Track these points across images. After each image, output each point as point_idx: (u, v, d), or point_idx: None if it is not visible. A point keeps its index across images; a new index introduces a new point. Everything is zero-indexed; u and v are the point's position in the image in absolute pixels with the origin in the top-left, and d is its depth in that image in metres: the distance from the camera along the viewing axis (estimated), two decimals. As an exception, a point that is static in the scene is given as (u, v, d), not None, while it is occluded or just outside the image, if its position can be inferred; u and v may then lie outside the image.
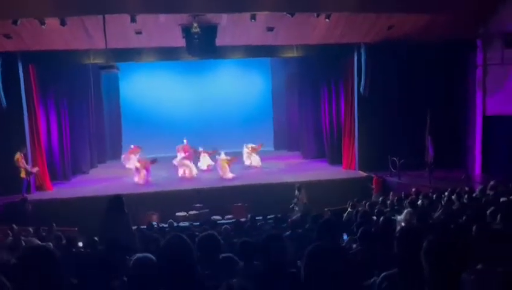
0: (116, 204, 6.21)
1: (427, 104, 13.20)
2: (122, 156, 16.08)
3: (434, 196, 8.74)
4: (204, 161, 15.34)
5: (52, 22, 10.44)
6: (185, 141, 15.17)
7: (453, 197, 8.09)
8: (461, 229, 4.67)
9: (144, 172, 13.66)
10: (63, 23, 10.47)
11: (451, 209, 6.97)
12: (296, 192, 11.34)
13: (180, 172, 14.33)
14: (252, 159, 15.46)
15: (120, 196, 6.52)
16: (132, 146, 15.73)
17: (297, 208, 10.32)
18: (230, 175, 13.90)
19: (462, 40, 13.22)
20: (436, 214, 6.75)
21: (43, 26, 10.48)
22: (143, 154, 15.25)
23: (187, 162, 14.39)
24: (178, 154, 14.91)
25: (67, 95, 14.74)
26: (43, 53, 12.39)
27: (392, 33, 12.53)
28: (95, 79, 16.33)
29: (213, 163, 15.02)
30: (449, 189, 8.83)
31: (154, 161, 14.00)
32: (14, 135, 12.53)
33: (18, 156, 12.24)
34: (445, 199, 8.07)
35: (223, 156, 14.22)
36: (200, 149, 15.29)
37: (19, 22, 10.12)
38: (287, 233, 6.07)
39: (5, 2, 8.90)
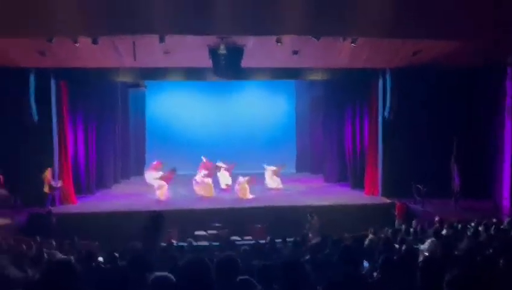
0: (155, 221, 6.13)
1: (453, 130, 12.97)
2: (145, 172, 16.24)
3: (459, 226, 8.49)
4: (223, 178, 15.29)
5: (85, 41, 10.82)
6: (203, 158, 15.24)
7: (480, 228, 7.84)
8: (488, 262, 4.50)
9: (165, 188, 13.77)
10: (95, 42, 10.83)
11: (478, 241, 6.75)
12: (309, 217, 11.20)
13: (198, 190, 14.36)
14: (273, 180, 15.40)
15: (161, 213, 6.32)
16: (155, 162, 15.90)
17: (310, 235, 10.16)
18: (250, 196, 13.87)
19: (491, 67, 13.02)
20: (462, 246, 6.54)
21: (76, 45, 10.87)
22: (165, 171, 15.36)
23: (208, 180, 14.42)
24: (199, 173, 14.96)
25: (95, 111, 15.16)
26: (74, 70, 12.84)
27: (418, 58, 12.44)
28: (123, 96, 16.74)
29: (230, 183, 15.00)
30: (475, 219, 8.57)
31: (173, 170, 14.08)
32: (43, 148, 12.89)
33: (47, 173, 12.58)
34: (472, 229, 7.83)
35: (241, 179, 14.16)
36: (219, 163, 15.29)
37: (53, 40, 10.53)
38: (307, 257, 5.98)
39: (42, 20, 9.28)
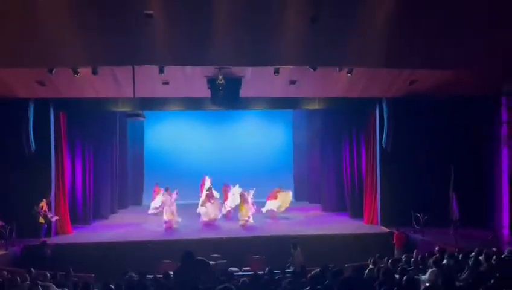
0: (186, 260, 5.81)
1: (450, 159, 13.01)
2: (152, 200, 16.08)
3: (460, 255, 8.39)
4: (233, 200, 15.21)
5: (85, 71, 10.96)
6: (206, 178, 15.42)
7: (481, 257, 7.75)
8: (490, 293, 4.43)
9: (172, 208, 13.76)
10: (94, 72, 10.97)
11: (479, 271, 6.66)
12: (292, 250, 11.06)
13: (203, 212, 14.32)
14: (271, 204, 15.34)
15: (190, 252, 5.97)
16: (156, 185, 15.94)
17: (292, 268, 9.99)
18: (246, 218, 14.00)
19: (487, 96, 13.19)
20: (463, 276, 6.46)
21: (76, 75, 10.99)
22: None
23: (212, 202, 14.37)
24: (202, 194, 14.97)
25: (93, 141, 15.20)
26: (73, 100, 12.94)
27: (414, 88, 12.62)
28: (121, 126, 16.83)
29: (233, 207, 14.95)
30: (476, 249, 8.48)
31: (167, 189, 14.29)
32: (40, 178, 12.85)
33: (43, 203, 12.51)
34: (472, 259, 7.73)
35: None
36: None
37: (54, 70, 10.66)
38: (306, 289, 5.88)
39: (42, 51, 9.41)
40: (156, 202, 15.31)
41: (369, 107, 14.37)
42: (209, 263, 5.62)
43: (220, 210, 14.63)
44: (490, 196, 13.71)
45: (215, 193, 14.89)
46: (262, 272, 8.81)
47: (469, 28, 9.47)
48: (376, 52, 9.98)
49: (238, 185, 15.25)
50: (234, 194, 15.16)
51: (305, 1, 8.98)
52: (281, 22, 9.12)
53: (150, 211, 15.34)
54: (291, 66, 11.17)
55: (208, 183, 15.16)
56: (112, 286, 6.64)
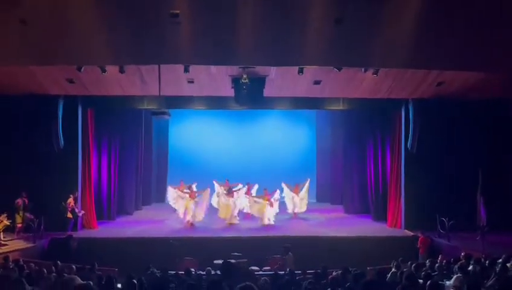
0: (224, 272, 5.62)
1: (478, 162, 12.69)
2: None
3: (487, 262, 8.18)
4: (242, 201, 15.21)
5: (112, 69, 11.19)
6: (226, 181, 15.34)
7: (508, 264, 7.53)
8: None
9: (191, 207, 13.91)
10: (121, 71, 11.19)
11: (506, 277, 6.48)
12: (283, 252, 10.93)
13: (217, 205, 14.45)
14: (294, 203, 15.23)
15: (229, 263, 5.80)
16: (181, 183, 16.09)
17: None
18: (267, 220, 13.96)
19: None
20: (489, 282, 6.29)
21: (103, 74, 11.24)
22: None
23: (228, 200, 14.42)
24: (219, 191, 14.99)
25: (119, 138, 15.48)
26: (101, 98, 13.22)
27: (441, 89, 12.37)
28: (147, 124, 17.08)
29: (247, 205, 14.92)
30: (504, 255, 8.24)
31: (190, 186, 14.32)
32: (68, 174, 13.18)
33: (70, 199, 12.85)
34: (499, 265, 7.52)
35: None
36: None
37: (82, 68, 10.93)
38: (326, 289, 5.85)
39: (72, 50, 9.67)
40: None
41: (394, 108, 14.15)
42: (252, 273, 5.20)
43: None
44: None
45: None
46: (283, 272, 8.80)
47: (499, 28, 9.22)
48: (402, 53, 9.83)
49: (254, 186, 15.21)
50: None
51: (330, 1, 8.93)
52: (306, 22, 9.09)
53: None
54: (316, 66, 11.11)
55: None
56: (135, 281, 6.75)
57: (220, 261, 11.13)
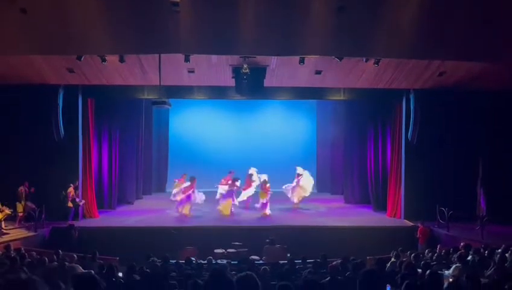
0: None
1: (479, 153, 12.69)
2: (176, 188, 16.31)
3: (486, 252, 8.23)
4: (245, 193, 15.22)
5: (112, 59, 11.14)
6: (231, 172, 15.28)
7: (507, 255, 7.58)
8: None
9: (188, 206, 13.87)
10: (121, 60, 11.14)
11: (505, 268, 6.52)
12: (268, 242, 10.93)
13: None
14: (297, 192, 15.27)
15: (222, 268, 5.49)
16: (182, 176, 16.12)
17: (263, 259, 9.83)
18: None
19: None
20: (488, 272, 6.33)
21: (103, 63, 11.19)
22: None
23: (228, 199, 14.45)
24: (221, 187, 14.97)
25: (119, 127, 15.47)
26: (101, 87, 13.18)
27: (443, 80, 12.33)
28: (147, 114, 17.06)
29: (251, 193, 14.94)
30: (503, 245, 8.29)
31: (193, 179, 14.17)
32: (68, 163, 13.20)
33: (71, 188, 12.89)
34: (498, 256, 7.57)
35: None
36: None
37: (82, 58, 10.89)
38: (327, 279, 5.89)
39: (72, 39, 9.62)
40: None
41: (395, 98, 14.11)
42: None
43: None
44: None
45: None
46: (283, 262, 8.85)
47: (501, 18, 9.16)
48: (404, 43, 9.78)
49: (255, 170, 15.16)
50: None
51: (332, -10, 8.86)
52: (307, 11, 9.02)
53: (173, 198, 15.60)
54: (317, 56, 11.06)
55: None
56: (136, 270, 6.80)
57: (221, 251, 11.27)
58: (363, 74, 12.38)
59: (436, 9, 9.04)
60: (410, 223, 13.10)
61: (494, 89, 12.66)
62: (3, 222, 11.56)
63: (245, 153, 17.71)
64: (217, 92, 13.86)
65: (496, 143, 13.42)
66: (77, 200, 13.05)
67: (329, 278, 5.97)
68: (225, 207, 14.21)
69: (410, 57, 11.00)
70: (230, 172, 15.17)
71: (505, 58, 10.57)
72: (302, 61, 11.11)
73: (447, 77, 12.15)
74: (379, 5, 8.99)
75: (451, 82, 12.36)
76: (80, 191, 13.34)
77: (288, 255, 10.44)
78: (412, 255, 8.43)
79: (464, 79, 12.11)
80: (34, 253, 8.61)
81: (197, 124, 18.35)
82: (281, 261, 8.57)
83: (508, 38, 9.70)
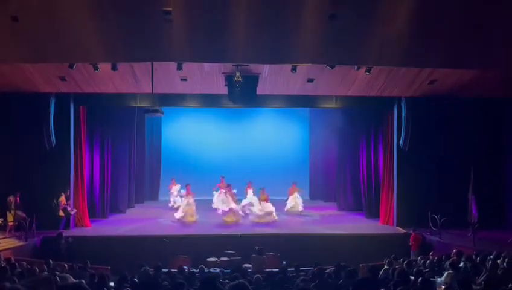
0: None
1: (470, 161, 12.78)
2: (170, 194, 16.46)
3: (478, 258, 8.26)
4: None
5: (105, 67, 11.12)
6: (221, 179, 15.48)
7: (499, 261, 7.62)
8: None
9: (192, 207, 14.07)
10: (114, 68, 11.12)
11: (497, 275, 6.55)
12: (256, 251, 10.92)
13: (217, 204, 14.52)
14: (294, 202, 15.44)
15: (213, 277, 5.25)
16: (172, 181, 16.24)
17: (250, 270, 9.77)
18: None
19: (508, 98, 12.91)
20: (480, 279, 6.36)
21: (96, 71, 11.16)
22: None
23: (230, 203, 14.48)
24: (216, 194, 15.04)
25: (112, 136, 15.41)
26: (93, 95, 13.14)
27: (434, 88, 12.44)
28: (139, 122, 17.02)
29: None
30: (494, 252, 8.33)
31: (188, 185, 14.39)
32: (60, 172, 13.10)
33: (62, 197, 12.78)
34: (490, 262, 7.61)
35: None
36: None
37: (75, 66, 10.85)
38: (319, 286, 5.88)
39: (64, 47, 9.59)
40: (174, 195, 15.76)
41: (387, 106, 14.21)
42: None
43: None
44: (510, 198, 13.45)
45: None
46: (276, 270, 8.83)
47: (491, 27, 9.28)
48: (395, 51, 9.87)
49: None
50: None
51: (323, -1, 8.92)
52: (299, 20, 9.08)
53: (172, 205, 15.77)
54: (309, 64, 11.12)
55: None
56: (128, 279, 6.74)
57: (214, 259, 11.20)
58: (355, 81, 12.47)
59: (427, 17, 9.14)
60: (402, 230, 13.14)
61: (484, 97, 12.80)
62: (-7, 232, 11.43)
63: (238, 160, 17.72)
64: (209, 100, 13.86)
65: (487, 150, 13.55)
66: (69, 209, 12.94)
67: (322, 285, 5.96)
68: (230, 217, 14.21)
69: (402, 65, 11.09)
70: (222, 177, 15.26)
71: (495, 66, 10.70)
72: (294, 69, 11.17)
73: (438, 85, 12.26)
74: (370, 13, 9.06)
75: (443, 90, 12.48)
76: (71, 200, 13.22)
77: (284, 262, 10.42)
78: (405, 262, 8.45)
79: (454, 87, 12.23)
80: (25, 263, 8.51)
81: (190, 132, 18.33)
82: (274, 270, 8.55)
83: (498, 47, 9.83)
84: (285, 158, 18.25)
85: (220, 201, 14.53)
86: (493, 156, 13.65)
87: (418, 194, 13.24)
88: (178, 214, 14.17)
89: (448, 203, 12.65)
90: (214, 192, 15.06)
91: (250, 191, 15.12)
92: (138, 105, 13.89)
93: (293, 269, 8.82)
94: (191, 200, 14.27)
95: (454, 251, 9.08)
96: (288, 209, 15.54)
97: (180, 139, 18.42)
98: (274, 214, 14.36)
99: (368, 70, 11.40)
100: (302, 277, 7.82)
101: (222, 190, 14.75)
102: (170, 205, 16.08)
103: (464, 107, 13.19)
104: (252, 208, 14.64)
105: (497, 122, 13.57)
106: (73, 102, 13.40)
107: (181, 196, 15.21)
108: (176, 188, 16.21)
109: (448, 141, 13.49)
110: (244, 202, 15.04)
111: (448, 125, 13.47)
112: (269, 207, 14.33)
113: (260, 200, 14.45)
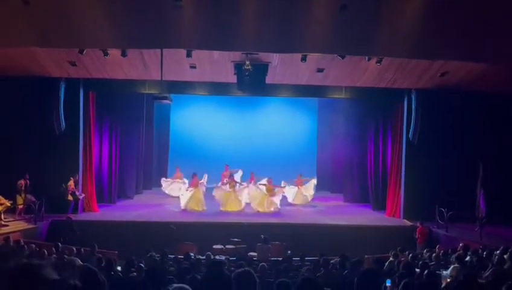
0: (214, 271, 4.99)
1: (479, 155, 12.67)
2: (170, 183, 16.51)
3: (484, 253, 8.23)
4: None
5: (114, 53, 11.13)
6: (226, 167, 15.56)
7: (505, 256, 7.58)
8: (513, 292, 4.34)
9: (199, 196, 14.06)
10: (124, 55, 11.13)
11: (503, 270, 6.52)
12: (262, 240, 10.95)
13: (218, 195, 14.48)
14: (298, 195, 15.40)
15: (220, 262, 5.31)
16: (177, 169, 16.28)
17: (255, 258, 9.81)
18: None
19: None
20: (486, 273, 6.34)
21: (106, 57, 11.18)
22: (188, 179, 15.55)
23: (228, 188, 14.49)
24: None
25: (120, 122, 15.47)
26: (103, 81, 13.17)
27: (445, 80, 12.30)
28: (148, 108, 17.04)
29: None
30: (501, 247, 8.29)
31: (194, 174, 14.37)
32: (69, 156, 13.21)
33: (71, 182, 12.90)
34: (497, 257, 7.57)
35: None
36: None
37: (85, 51, 10.87)
38: (324, 276, 5.90)
39: (74, 32, 9.61)
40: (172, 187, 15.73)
41: (397, 98, 14.08)
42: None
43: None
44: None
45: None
46: (281, 259, 8.87)
47: (504, 19, 9.13)
48: (407, 42, 9.75)
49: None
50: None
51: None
52: (310, 9, 9.00)
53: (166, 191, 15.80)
54: (319, 54, 11.03)
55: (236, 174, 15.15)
56: (135, 264, 6.81)
57: (220, 247, 11.28)
58: (365, 72, 12.36)
59: (439, 8, 9.01)
60: (409, 223, 13.11)
61: (495, 90, 12.62)
62: (2, 214, 11.58)
63: (245, 149, 17.72)
64: (218, 88, 13.84)
65: (496, 144, 13.40)
66: (77, 193, 13.07)
67: (327, 275, 5.98)
68: (231, 206, 14.19)
69: (413, 57, 10.97)
70: (226, 165, 15.27)
71: (507, 59, 10.54)
72: (304, 58, 11.09)
73: (449, 77, 12.12)
74: (381, 4, 8.96)
75: (453, 82, 12.34)
76: (79, 185, 13.35)
77: (289, 252, 10.47)
78: (410, 255, 8.45)
79: (465, 79, 12.08)
80: (33, 245, 8.63)
81: (198, 120, 18.33)
82: (279, 259, 8.59)
83: (510, 40, 9.67)
84: (292, 148, 18.20)
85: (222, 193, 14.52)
86: (503, 150, 13.49)
87: (426, 187, 13.17)
88: (183, 203, 14.14)
89: (456, 197, 12.58)
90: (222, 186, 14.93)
91: (251, 185, 14.90)
92: (147, 92, 13.91)
93: (298, 258, 8.86)
94: (200, 191, 14.18)
95: (460, 244, 9.06)
96: (296, 202, 15.50)
97: (188, 126, 18.43)
98: (278, 205, 14.34)
99: (379, 61, 11.29)
100: (307, 267, 7.86)
101: (224, 180, 14.73)
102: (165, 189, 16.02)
103: (475, 100, 13.03)
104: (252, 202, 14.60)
105: (507, 116, 13.39)
106: (82, 87, 13.45)
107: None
108: (178, 177, 16.02)
109: (458, 134, 13.36)
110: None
111: (458, 119, 13.32)
112: (273, 202, 14.30)
113: (266, 191, 14.37)
